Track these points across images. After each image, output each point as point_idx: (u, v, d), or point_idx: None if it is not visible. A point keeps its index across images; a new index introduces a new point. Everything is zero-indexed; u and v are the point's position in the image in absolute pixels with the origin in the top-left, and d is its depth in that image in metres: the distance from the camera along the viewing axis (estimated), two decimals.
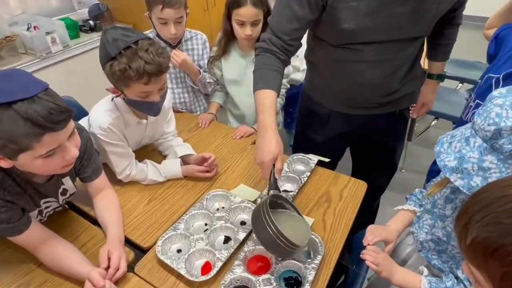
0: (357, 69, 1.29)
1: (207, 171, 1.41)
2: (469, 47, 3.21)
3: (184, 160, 1.48)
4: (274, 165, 1.11)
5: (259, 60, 1.25)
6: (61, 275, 1.07)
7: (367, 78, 1.30)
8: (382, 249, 1.06)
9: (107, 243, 1.10)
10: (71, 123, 0.93)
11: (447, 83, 1.61)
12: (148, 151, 1.58)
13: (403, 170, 2.73)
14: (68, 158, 0.93)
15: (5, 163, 0.88)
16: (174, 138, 1.57)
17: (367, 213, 1.89)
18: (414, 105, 1.64)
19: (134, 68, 1.10)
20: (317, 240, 1.12)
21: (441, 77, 1.59)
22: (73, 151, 0.94)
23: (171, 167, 1.42)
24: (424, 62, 1.52)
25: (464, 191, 0.76)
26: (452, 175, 0.77)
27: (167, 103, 1.46)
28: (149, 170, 1.40)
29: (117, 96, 1.26)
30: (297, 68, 2.18)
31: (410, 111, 1.62)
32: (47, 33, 2.51)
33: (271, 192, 1.10)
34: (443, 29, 1.41)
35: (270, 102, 1.17)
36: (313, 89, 1.52)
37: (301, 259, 1.08)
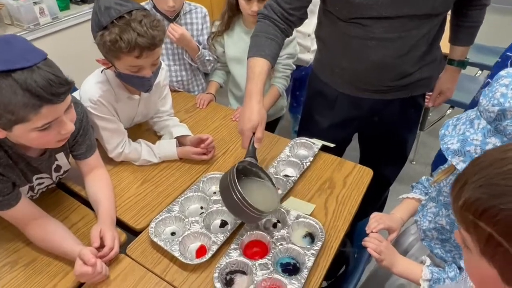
0: (366, 47, 1.31)
1: (204, 154, 1.45)
2: (493, 32, 3.20)
3: (180, 141, 1.52)
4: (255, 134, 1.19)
5: (258, 27, 1.33)
6: (50, 254, 1.12)
7: (376, 57, 1.31)
8: (386, 238, 1.11)
9: (99, 223, 1.15)
10: (69, 97, 0.97)
11: (465, 69, 1.61)
12: (143, 131, 1.62)
13: (414, 162, 2.75)
14: (63, 132, 0.98)
15: None
16: (170, 118, 1.61)
17: (374, 206, 1.94)
18: (431, 93, 1.63)
19: (125, 40, 1.13)
20: (317, 226, 1.17)
21: (462, 64, 1.56)
22: (69, 126, 0.99)
23: (166, 148, 1.46)
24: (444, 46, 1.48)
25: None
26: (454, 158, 0.81)
27: (163, 79, 1.49)
28: (143, 150, 1.44)
29: (107, 68, 1.29)
30: (307, 48, 2.18)
31: (426, 99, 1.62)
32: (35, 3, 2.53)
33: (247, 159, 1.17)
34: (468, 10, 1.41)
35: (259, 70, 1.24)
36: (321, 68, 1.55)
37: (301, 244, 1.13)
